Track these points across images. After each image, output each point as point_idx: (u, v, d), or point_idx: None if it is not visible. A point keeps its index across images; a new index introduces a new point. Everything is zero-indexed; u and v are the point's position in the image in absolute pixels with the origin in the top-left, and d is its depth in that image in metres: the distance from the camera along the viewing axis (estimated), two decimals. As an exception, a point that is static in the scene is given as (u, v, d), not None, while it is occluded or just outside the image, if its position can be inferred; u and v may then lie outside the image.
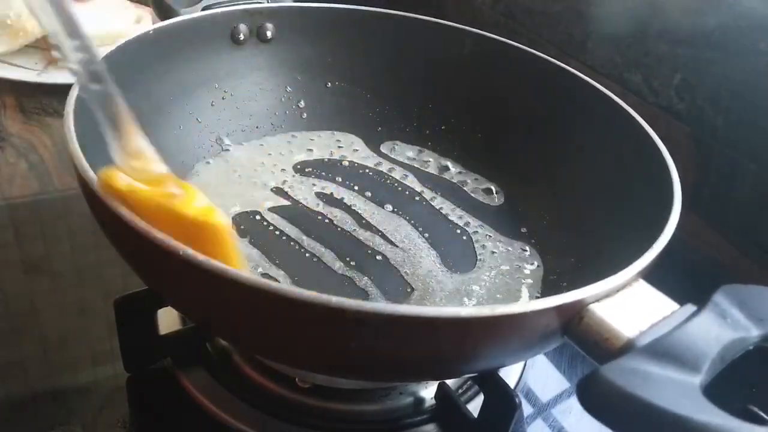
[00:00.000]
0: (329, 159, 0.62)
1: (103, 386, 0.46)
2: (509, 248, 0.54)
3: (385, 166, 0.62)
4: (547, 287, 0.50)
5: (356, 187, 0.59)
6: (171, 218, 0.33)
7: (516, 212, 0.58)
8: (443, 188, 0.60)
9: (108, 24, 0.83)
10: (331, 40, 0.64)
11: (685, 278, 0.43)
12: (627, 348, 0.30)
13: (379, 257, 0.51)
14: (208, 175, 0.57)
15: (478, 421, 0.43)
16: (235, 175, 0.58)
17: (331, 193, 0.58)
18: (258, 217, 0.54)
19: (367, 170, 0.61)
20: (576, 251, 0.51)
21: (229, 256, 0.35)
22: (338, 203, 0.57)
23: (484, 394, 0.43)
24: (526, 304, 0.30)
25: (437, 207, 0.58)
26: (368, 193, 0.58)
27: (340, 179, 0.60)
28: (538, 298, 0.49)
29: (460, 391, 0.46)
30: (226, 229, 0.35)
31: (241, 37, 0.60)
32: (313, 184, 0.59)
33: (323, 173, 0.60)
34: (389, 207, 0.57)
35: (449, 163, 0.63)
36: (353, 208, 0.56)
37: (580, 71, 0.56)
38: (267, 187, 0.57)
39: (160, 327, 0.46)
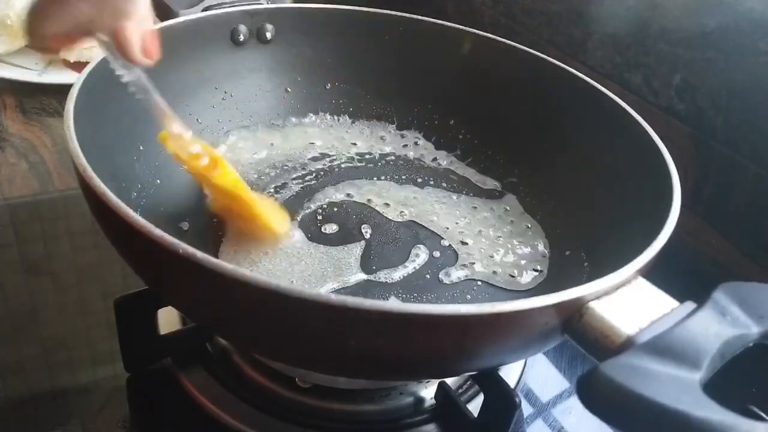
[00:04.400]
0: (330, 159, 0.62)
1: (103, 386, 0.46)
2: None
3: (385, 166, 0.62)
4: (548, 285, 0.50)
5: (356, 186, 0.59)
6: (207, 180, 0.46)
7: (516, 212, 0.58)
8: (443, 187, 0.60)
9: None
10: (331, 41, 0.64)
11: (684, 277, 0.43)
12: (627, 345, 0.30)
13: (379, 256, 0.51)
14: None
15: (478, 421, 0.43)
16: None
17: (332, 193, 0.58)
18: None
19: (367, 169, 0.61)
20: (576, 249, 0.51)
21: (257, 219, 0.47)
22: (339, 202, 0.57)
23: (484, 394, 0.43)
24: (526, 301, 0.30)
25: (436, 205, 0.58)
26: (369, 192, 0.58)
27: (340, 179, 0.60)
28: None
29: (460, 391, 0.46)
30: (250, 201, 0.47)
31: (241, 38, 0.60)
32: (313, 184, 0.59)
33: (323, 173, 0.60)
34: (390, 204, 0.57)
35: (449, 162, 0.63)
36: (354, 206, 0.57)
37: (580, 71, 0.56)
38: (267, 187, 0.57)
39: (160, 327, 0.46)
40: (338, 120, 0.65)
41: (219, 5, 0.59)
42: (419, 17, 0.63)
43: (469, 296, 0.49)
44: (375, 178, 0.61)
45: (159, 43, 0.38)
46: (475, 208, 0.58)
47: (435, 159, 0.64)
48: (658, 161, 0.45)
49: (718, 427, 0.25)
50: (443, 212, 0.57)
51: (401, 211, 0.57)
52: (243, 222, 0.49)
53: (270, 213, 0.49)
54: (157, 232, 0.31)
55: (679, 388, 0.26)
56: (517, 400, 0.40)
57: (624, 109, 0.51)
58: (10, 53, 0.81)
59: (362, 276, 0.49)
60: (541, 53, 0.59)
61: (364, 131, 0.65)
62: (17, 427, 0.43)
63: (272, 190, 0.57)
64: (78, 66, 0.81)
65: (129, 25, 0.35)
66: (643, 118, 0.49)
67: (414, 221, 0.56)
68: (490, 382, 0.42)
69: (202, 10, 0.58)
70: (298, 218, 0.54)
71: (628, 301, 0.32)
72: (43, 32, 0.29)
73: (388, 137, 0.65)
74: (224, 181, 0.45)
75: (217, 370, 0.46)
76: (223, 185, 0.45)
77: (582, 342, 0.31)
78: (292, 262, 0.49)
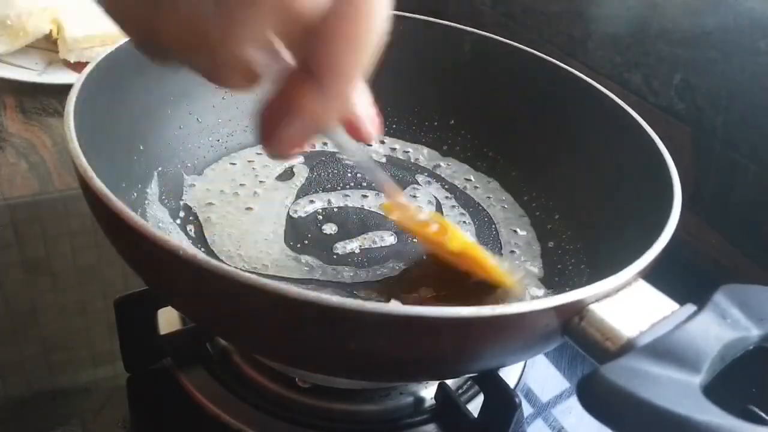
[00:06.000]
0: (329, 159, 0.62)
1: (103, 386, 0.46)
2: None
3: (384, 166, 0.62)
4: (548, 287, 0.50)
5: (357, 186, 0.59)
6: (437, 245, 0.45)
7: (516, 212, 0.58)
8: (442, 187, 0.60)
9: (108, 24, 0.83)
10: (331, 41, 0.63)
11: (685, 278, 0.43)
12: (627, 348, 0.30)
13: (381, 253, 0.51)
14: (211, 175, 0.57)
15: (478, 421, 0.43)
16: (236, 175, 0.58)
17: (332, 194, 0.58)
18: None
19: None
20: (576, 251, 0.51)
21: (490, 276, 0.45)
22: (338, 202, 0.57)
23: (484, 394, 0.43)
24: (526, 304, 0.30)
25: (435, 206, 0.58)
26: (369, 192, 0.58)
27: (340, 179, 0.60)
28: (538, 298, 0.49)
29: (460, 391, 0.46)
30: (486, 260, 0.44)
31: (242, 37, 0.60)
32: (313, 184, 0.59)
33: (324, 173, 0.60)
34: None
35: (448, 163, 0.63)
36: (354, 206, 0.57)
37: (580, 71, 0.56)
38: (268, 187, 0.57)
39: (160, 327, 0.46)
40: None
41: (219, 5, 0.59)
42: (419, 17, 0.63)
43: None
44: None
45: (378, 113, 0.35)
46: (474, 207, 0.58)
47: (434, 159, 0.64)
48: (658, 161, 0.45)
49: (718, 430, 0.25)
50: (442, 212, 0.57)
51: (401, 212, 0.57)
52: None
53: (501, 271, 0.46)
54: (158, 233, 0.31)
55: (679, 391, 0.27)
56: (517, 400, 0.40)
57: (624, 109, 0.51)
58: (10, 53, 0.81)
59: (363, 274, 0.49)
60: (541, 53, 0.59)
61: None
62: (17, 427, 0.43)
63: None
64: (78, 66, 0.81)
65: (357, 108, 0.33)
66: (643, 118, 0.49)
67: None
68: (490, 383, 0.42)
69: (203, 10, 0.58)
70: (297, 217, 0.54)
71: (628, 304, 0.32)
72: (280, 138, 0.27)
73: (388, 137, 0.65)
74: (456, 245, 0.44)
75: (217, 370, 0.46)
76: (456, 248, 0.44)
77: (582, 344, 0.31)
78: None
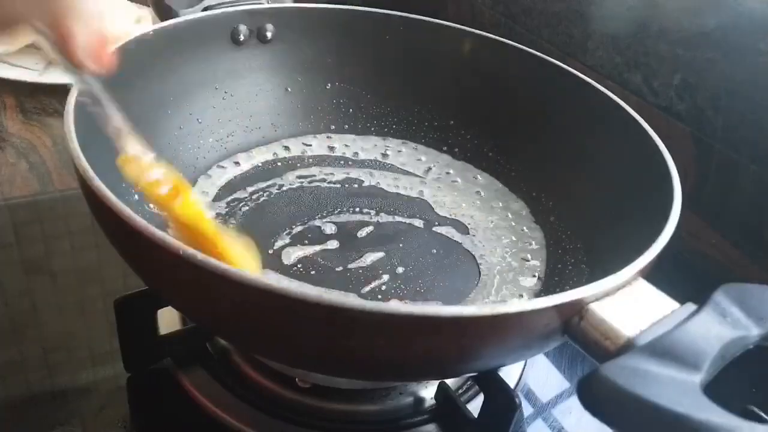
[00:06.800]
0: (329, 159, 0.62)
1: (103, 386, 0.46)
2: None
3: (385, 165, 0.62)
4: (548, 286, 0.50)
5: (356, 186, 0.59)
6: (165, 209, 0.38)
7: (516, 212, 0.58)
8: (443, 187, 0.60)
9: (108, 24, 0.83)
10: (331, 41, 0.64)
11: (685, 278, 0.43)
12: (627, 347, 0.30)
13: (381, 254, 0.51)
14: (211, 175, 0.57)
15: (478, 421, 0.43)
16: (237, 174, 0.58)
17: (332, 194, 0.58)
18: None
19: (367, 170, 0.61)
20: (576, 251, 0.51)
21: (223, 257, 0.38)
22: (339, 203, 0.57)
23: (484, 394, 0.43)
24: (526, 303, 0.30)
25: (436, 206, 0.58)
26: (369, 191, 0.58)
27: (341, 179, 0.60)
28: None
29: (460, 391, 0.46)
30: (214, 237, 0.39)
31: (241, 37, 0.60)
32: (313, 184, 0.59)
33: (324, 173, 0.60)
34: (390, 203, 0.57)
35: (448, 163, 0.63)
36: (355, 206, 0.57)
37: (580, 71, 0.56)
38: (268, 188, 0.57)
39: (160, 327, 0.46)
40: (338, 119, 0.65)
41: (219, 5, 0.59)
42: (419, 17, 0.63)
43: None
44: (374, 179, 0.60)
45: (116, 53, 0.32)
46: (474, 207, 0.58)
47: (434, 159, 0.64)
48: (658, 161, 0.45)
49: (718, 429, 0.25)
50: (442, 212, 0.57)
51: (400, 211, 0.57)
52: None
53: (237, 251, 0.41)
54: (158, 233, 0.31)
55: (679, 390, 0.26)
56: (517, 400, 0.40)
57: (624, 109, 0.51)
58: (10, 53, 0.81)
59: (361, 274, 0.49)
60: (541, 53, 0.59)
61: (364, 131, 0.65)
62: (17, 427, 0.43)
63: (274, 188, 0.57)
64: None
65: (71, 23, 0.30)
66: (643, 118, 0.49)
67: (413, 222, 0.56)
68: (490, 383, 0.42)
69: (202, 10, 0.58)
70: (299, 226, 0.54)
71: (628, 303, 0.32)
72: None
73: (388, 137, 0.65)
74: (185, 213, 0.39)
75: (217, 370, 0.46)
76: (184, 217, 0.39)
77: (582, 344, 0.31)
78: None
